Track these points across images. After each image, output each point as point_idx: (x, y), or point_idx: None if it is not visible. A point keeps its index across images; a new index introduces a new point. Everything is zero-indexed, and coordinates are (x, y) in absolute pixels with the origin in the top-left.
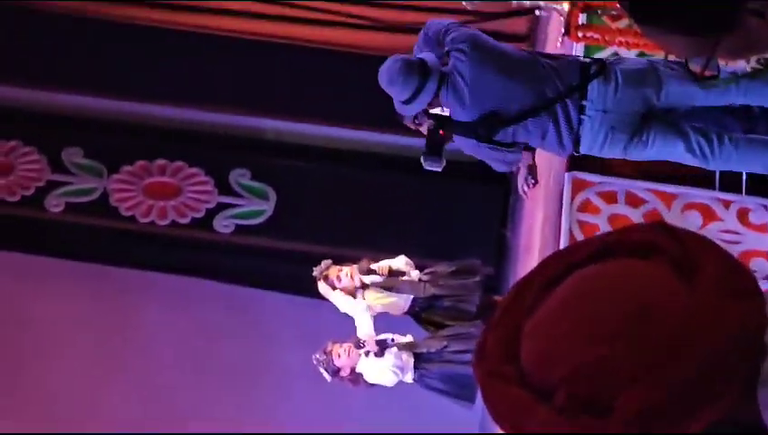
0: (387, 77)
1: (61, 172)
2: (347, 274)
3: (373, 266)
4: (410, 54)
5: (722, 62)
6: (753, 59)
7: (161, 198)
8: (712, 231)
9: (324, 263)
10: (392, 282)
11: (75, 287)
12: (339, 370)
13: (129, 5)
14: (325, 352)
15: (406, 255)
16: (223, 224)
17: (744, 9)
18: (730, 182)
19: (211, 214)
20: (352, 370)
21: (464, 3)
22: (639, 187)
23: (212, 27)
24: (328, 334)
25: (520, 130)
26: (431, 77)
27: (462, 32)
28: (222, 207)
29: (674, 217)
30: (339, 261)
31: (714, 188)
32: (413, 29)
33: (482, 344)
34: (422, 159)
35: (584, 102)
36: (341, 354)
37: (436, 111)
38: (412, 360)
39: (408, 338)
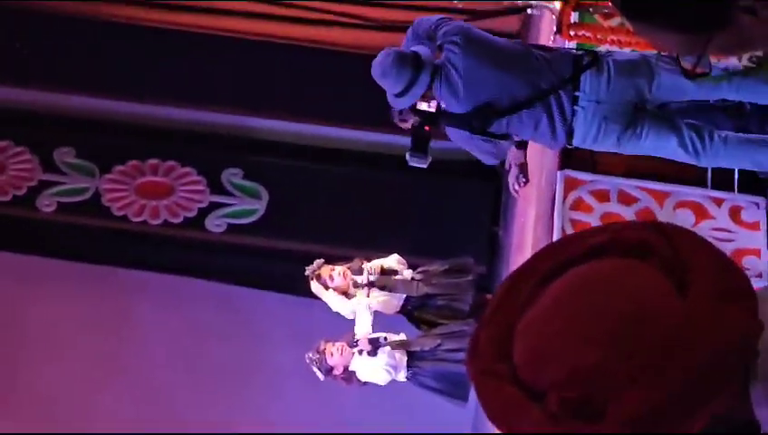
0: (380, 69)
1: (53, 172)
2: (339, 273)
3: (366, 265)
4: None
5: (714, 59)
6: (746, 56)
7: (153, 197)
8: (704, 229)
9: (317, 262)
10: (385, 281)
11: (68, 287)
12: (332, 368)
13: (126, 6)
14: (318, 351)
15: (398, 253)
16: (215, 223)
17: (735, 6)
18: (722, 180)
19: (203, 213)
20: (345, 368)
21: (455, 1)
22: (632, 185)
23: (207, 27)
24: (320, 333)
25: (513, 120)
26: (424, 70)
27: (454, 25)
28: (214, 206)
29: (666, 216)
30: (331, 260)
31: (706, 187)
32: None
33: (474, 342)
34: (407, 156)
35: (577, 93)
36: (334, 353)
37: (423, 106)
38: (405, 358)
39: (402, 337)
